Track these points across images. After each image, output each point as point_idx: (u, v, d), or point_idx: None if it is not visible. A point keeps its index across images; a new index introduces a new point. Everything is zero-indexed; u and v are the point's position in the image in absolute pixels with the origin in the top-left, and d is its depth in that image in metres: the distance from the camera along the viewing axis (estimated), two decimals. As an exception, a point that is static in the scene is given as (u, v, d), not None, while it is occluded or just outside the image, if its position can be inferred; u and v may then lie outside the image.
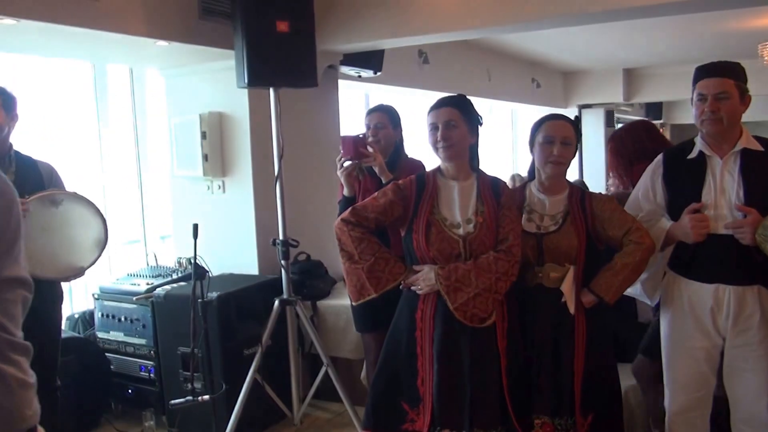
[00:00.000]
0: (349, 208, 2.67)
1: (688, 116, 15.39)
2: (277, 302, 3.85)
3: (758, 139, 2.66)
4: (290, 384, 4.07)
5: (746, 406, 2.67)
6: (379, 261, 2.58)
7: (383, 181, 3.10)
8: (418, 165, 3.42)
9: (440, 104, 2.64)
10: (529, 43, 7.70)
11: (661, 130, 15.18)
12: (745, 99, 2.60)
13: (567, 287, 2.59)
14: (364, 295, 2.60)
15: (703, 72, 2.62)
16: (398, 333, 2.67)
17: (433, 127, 2.62)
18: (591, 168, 9.36)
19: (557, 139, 2.64)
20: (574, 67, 9.66)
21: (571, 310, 2.60)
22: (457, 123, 2.60)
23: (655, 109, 13.05)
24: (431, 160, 2.88)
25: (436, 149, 2.64)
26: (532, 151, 2.75)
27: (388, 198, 2.63)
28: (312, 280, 4.46)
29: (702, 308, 2.66)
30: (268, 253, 4.36)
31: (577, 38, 7.48)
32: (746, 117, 2.69)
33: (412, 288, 2.60)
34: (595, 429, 2.61)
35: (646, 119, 3.72)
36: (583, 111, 9.80)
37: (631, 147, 3.41)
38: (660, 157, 2.81)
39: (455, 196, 2.64)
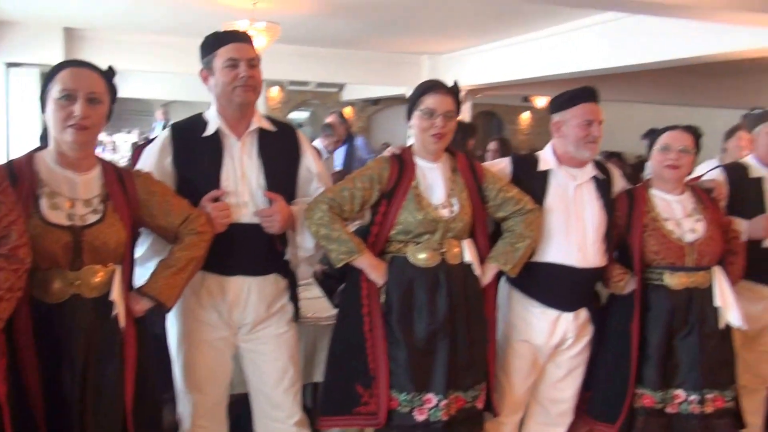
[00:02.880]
0: None
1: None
2: None
3: (269, 119, 2.64)
4: None
5: (268, 394, 2.64)
6: None
7: None
8: None
9: None
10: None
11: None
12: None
13: (117, 294, 2.18)
14: None
15: (232, 37, 2.54)
16: None
17: None
18: (21, 138, 7.84)
19: (79, 95, 2.13)
20: (2, 15, 8.00)
21: (122, 323, 2.20)
22: None
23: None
24: None
25: None
26: (44, 110, 2.22)
27: None
28: None
29: (221, 300, 2.55)
30: None
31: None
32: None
33: None
34: None
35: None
36: (12, 70, 8.23)
37: None
38: (167, 134, 2.57)
39: None
